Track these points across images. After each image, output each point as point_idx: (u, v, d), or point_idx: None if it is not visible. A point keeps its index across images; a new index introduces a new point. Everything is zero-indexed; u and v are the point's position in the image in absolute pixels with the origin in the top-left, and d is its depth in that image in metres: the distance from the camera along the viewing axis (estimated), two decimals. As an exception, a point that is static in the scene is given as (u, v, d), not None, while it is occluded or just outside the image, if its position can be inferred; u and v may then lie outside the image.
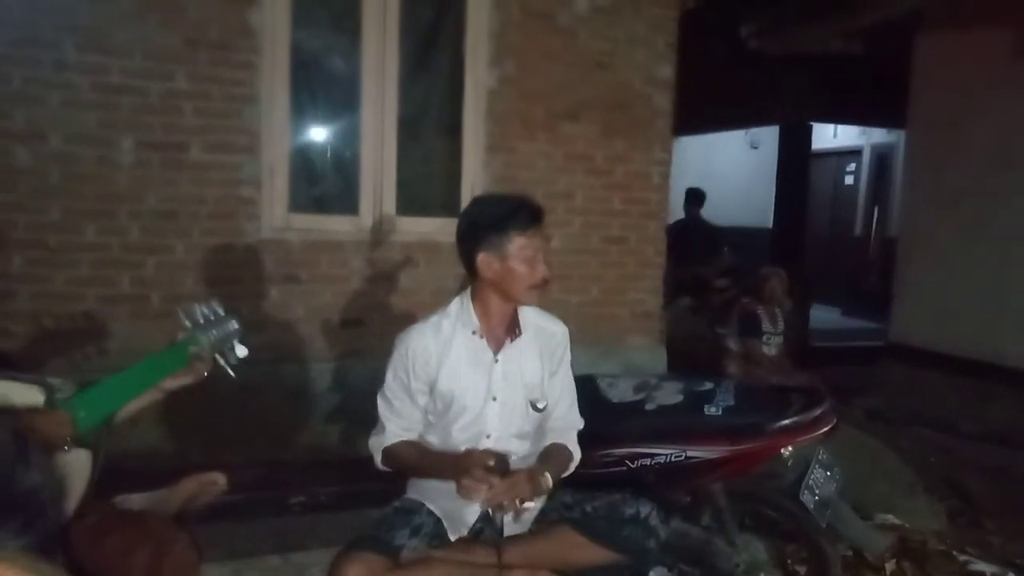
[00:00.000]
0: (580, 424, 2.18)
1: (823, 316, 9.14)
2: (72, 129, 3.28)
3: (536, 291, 1.98)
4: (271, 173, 3.63)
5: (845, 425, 4.73)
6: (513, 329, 2.06)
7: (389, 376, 2.04)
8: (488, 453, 1.93)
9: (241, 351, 1.87)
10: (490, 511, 1.81)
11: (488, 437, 2.01)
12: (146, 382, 1.77)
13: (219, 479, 2.08)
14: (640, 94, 4.29)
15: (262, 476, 2.59)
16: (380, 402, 2.07)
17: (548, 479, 1.89)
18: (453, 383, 2.00)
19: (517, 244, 1.92)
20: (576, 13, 4.10)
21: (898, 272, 6.60)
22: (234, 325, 1.88)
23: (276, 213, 3.64)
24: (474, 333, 2.02)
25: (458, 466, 1.84)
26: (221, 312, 1.86)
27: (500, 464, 1.83)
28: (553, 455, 2.06)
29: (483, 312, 2.03)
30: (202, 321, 1.81)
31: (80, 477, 1.65)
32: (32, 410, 1.55)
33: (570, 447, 2.12)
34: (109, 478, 1.79)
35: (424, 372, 2.01)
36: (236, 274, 3.57)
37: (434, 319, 2.05)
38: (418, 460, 2.03)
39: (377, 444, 2.07)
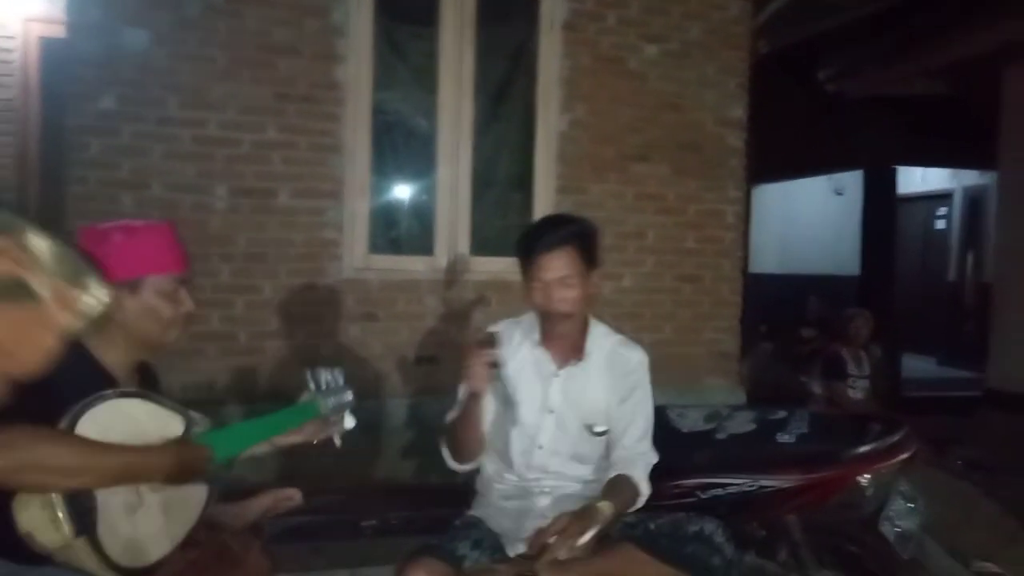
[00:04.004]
0: (652, 457, 2.09)
1: (919, 366, 8.76)
2: (172, 178, 3.53)
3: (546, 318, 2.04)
4: (353, 217, 3.80)
5: (941, 472, 4.53)
6: (578, 351, 2.09)
7: None
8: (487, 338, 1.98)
9: (350, 423, 1.98)
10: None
11: (541, 448, 2.05)
12: (269, 433, 1.88)
13: (294, 495, 2.16)
14: (711, 134, 4.32)
15: (337, 502, 2.66)
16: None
17: (607, 506, 1.83)
18: (514, 388, 2.06)
19: (527, 271, 2.03)
20: (646, 57, 4.19)
21: (994, 318, 6.30)
22: (349, 396, 1.97)
23: (357, 254, 3.81)
24: (538, 345, 2.09)
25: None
26: (341, 381, 1.96)
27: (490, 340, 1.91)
28: (616, 489, 1.97)
29: (546, 327, 2.08)
30: (324, 388, 1.92)
31: (194, 509, 1.73)
32: (177, 441, 1.64)
33: (635, 480, 2.01)
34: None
35: None
36: (318, 312, 3.73)
37: (510, 323, 2.15)
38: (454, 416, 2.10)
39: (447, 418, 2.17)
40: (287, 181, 3.70)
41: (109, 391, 1.59)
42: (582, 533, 1.73)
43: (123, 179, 3.47)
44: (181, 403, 1.78)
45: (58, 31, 4.08)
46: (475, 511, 2.11)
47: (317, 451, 2.00)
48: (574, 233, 2.03)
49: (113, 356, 1.71)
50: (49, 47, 4.58)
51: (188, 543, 1.72)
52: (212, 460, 1.69)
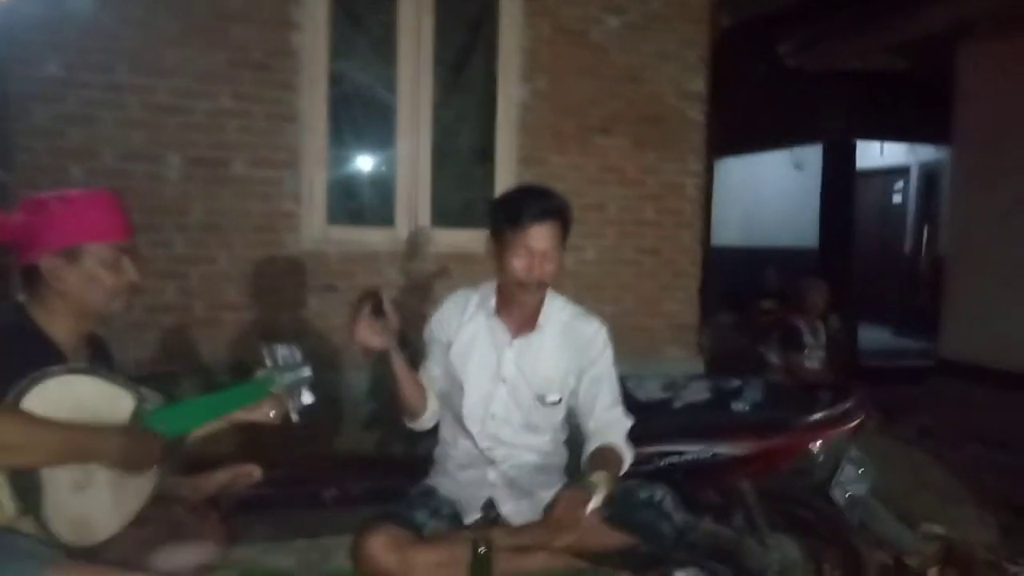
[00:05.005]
0: (626, 422, 2.11)
1: (874, 336, 8.94)
2: (122, 147, 3.44)
3: (523, 287, 2.00)
4: (310, 187, 3.75)
5: (892, 439, 4.64)
6: (532, 321, 2.09)
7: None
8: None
9: (308, 399, 1.93)
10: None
11: (493, 417, 2.07)
12: (222, 410, 1.85)
13: (254, 471, 2.15)
14: (672, 107, 4.33)
15: (296, 473, 2.65)
16: None
17: (602, 477, 1.81)
18: (466, 357, 2.07)
19: (510, 238, 1.97)
20: (607, 29, 4.17)
21: (947, 289, 6.45)
22: (307, 372, 1.92)
23: (315, 225, 3.76)
24: (492, 314, 2.09)
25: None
26: (299, 358, 1.92)
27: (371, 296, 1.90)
28: (602, 459, 1.97)
29: (502, 296, 2.08)
30: (280, 363, 1.88)
31: (145, 485, 1.70)
32: (128, 428, 1.61)
33: (617, 447, 2.03)
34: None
35: (442, 335, 2.12)
36: (276, 284, 3.68)
37: (466, 292, 2.16)
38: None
39: None
40: (242, 150, 3.62)
41: (57, 367, 1.55)
42: (585, 504, 1.73)
43: (71, 148, 3.37)
44: (136, 377, 1.75)
45: (0, -7, 3.92)
46: (431, 480, 2.13)
47: (277, 424, 1.98)
48: (562, 206, 2.02)
49: (58, 327, 1.67)
50: (-9, 10, 4.39)
51: (139, 520, 1.70)
52: (162, 450, 1.66)
